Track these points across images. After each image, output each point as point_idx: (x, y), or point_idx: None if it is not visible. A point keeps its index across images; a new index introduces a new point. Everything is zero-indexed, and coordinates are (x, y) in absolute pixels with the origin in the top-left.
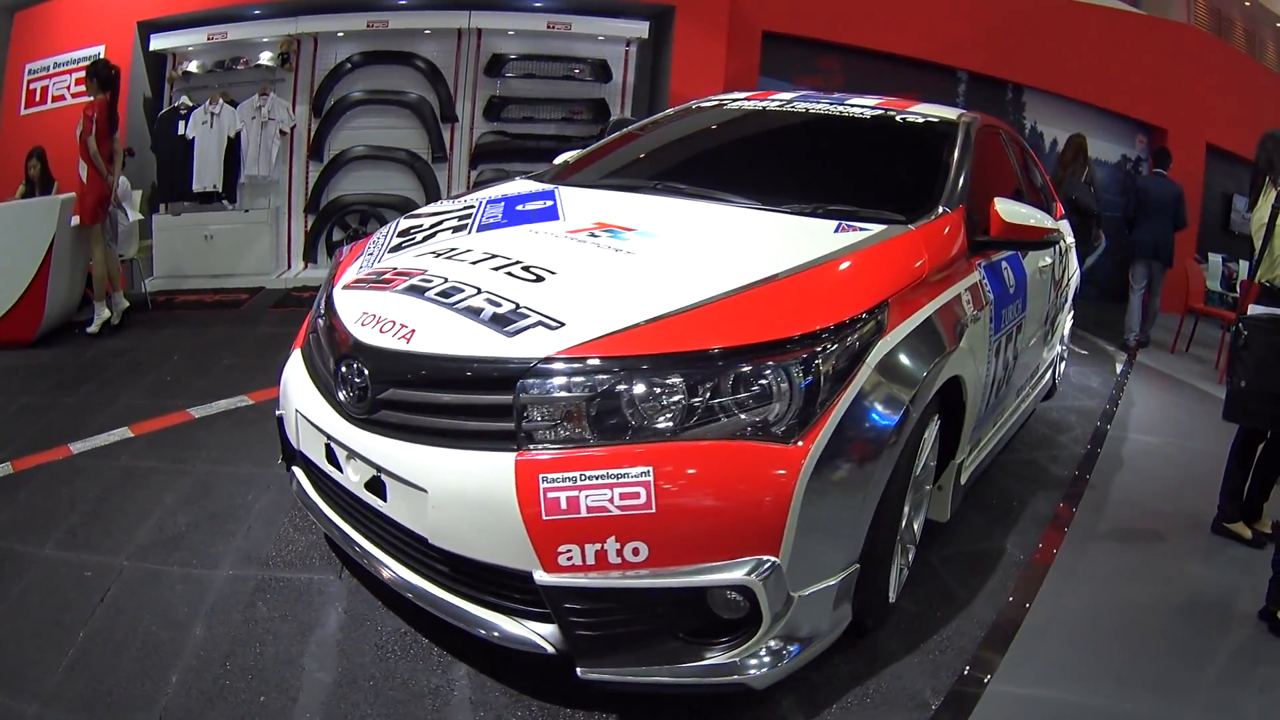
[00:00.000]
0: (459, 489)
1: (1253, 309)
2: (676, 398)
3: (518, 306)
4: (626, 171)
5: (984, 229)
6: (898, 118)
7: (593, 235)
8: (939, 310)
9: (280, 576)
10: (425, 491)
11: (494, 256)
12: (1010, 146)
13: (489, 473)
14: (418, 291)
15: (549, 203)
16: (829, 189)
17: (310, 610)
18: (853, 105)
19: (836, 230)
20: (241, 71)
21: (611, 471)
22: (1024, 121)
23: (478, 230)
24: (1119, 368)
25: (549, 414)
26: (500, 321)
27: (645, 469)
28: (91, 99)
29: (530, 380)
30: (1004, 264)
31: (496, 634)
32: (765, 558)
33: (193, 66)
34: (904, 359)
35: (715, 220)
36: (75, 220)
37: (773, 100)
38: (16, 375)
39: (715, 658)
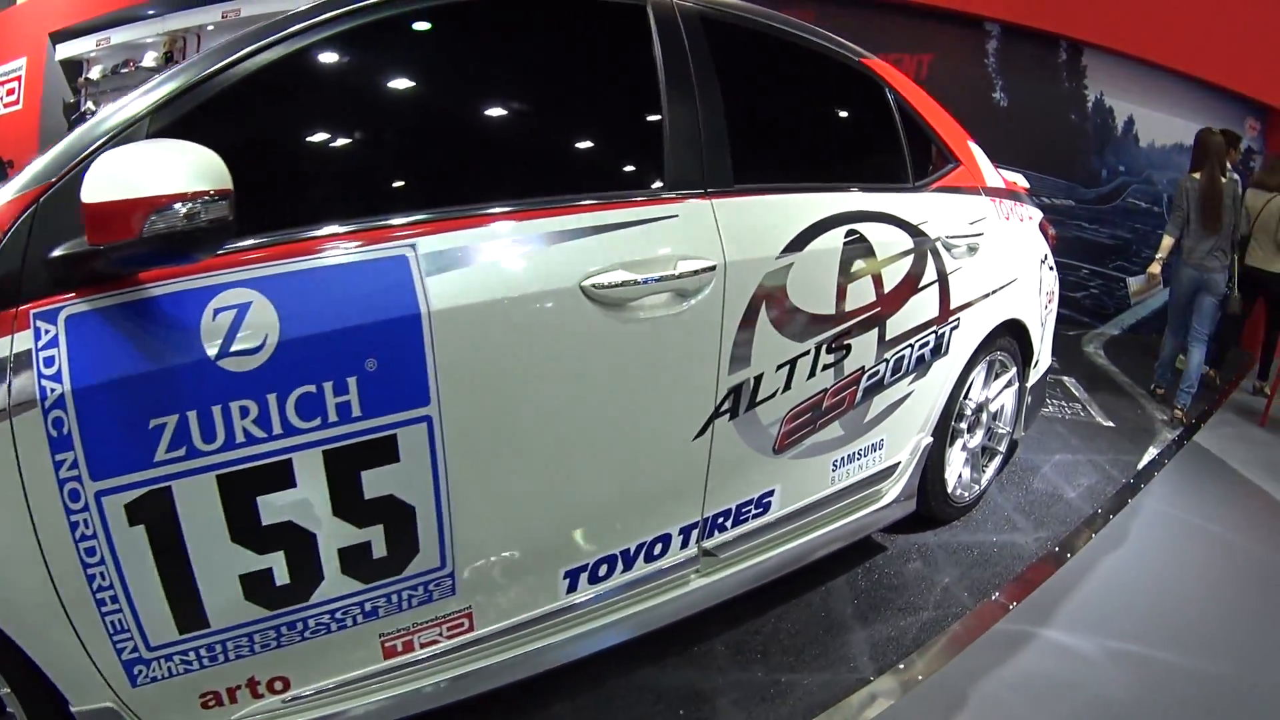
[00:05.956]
0: None
1: None
2: None
3: None
4: None
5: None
6: None
7: None
8: None
9: None
10: None
11: None
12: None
13: None
14: None
15: None
16: None
17: None
18: None
19: None
20: (130, 74)
21: None
22: (1084, 93)
23: None
24: (1153, 453)
25: None
26: None
27: None
28: None
29: None
30: (220, 300)
31: None
32: None
33: (94, 73)
34: None
35: None
36: None
37: None
38: None
39: None
